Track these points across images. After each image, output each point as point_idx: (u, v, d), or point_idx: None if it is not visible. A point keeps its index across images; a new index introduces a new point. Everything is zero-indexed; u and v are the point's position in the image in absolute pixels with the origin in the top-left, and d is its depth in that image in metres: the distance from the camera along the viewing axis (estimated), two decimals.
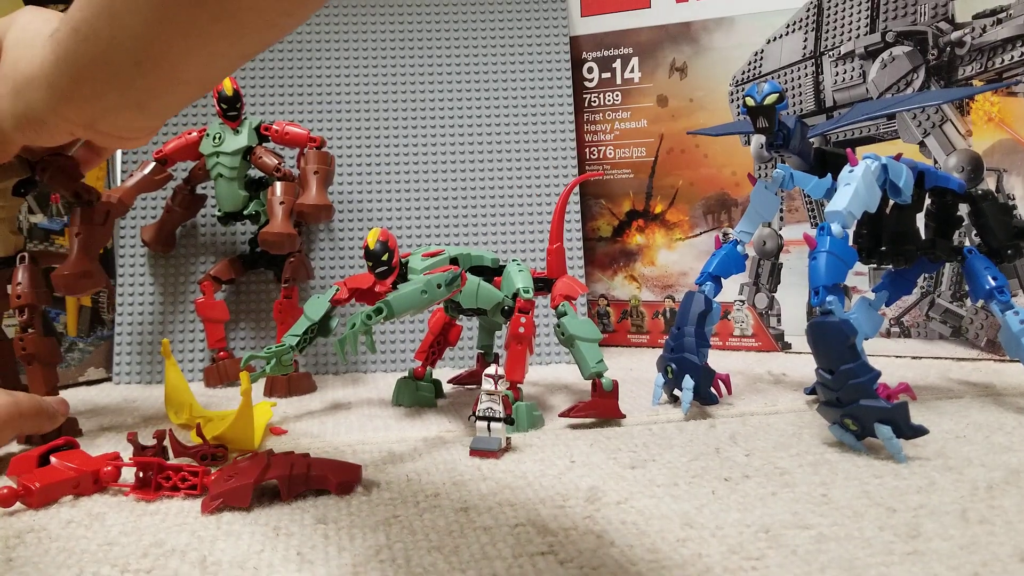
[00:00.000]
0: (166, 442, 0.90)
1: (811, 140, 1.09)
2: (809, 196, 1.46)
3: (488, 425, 0.92)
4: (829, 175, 1.02)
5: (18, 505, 0.80)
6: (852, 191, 0.93)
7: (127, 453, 0.92)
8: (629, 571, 0.60)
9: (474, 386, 1.28)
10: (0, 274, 1.15)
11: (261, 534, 0.71)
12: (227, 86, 1.33)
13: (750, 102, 1.01)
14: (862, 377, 0.84)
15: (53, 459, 0.85)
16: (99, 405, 1.25)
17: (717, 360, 1.36)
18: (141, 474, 0.82)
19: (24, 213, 1.39)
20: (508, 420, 0.93)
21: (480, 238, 1.50)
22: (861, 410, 0.84)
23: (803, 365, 1.34)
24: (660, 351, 1.12)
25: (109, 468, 0.84)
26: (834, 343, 0.86)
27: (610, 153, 1.62)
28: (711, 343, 1.10)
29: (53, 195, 1.41)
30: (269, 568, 0.64)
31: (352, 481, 0.81)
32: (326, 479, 0.80)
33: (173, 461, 0.91)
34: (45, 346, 1.09)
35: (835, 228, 0.91)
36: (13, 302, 1.09)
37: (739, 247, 1.14)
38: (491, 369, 0.94)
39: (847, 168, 0.96)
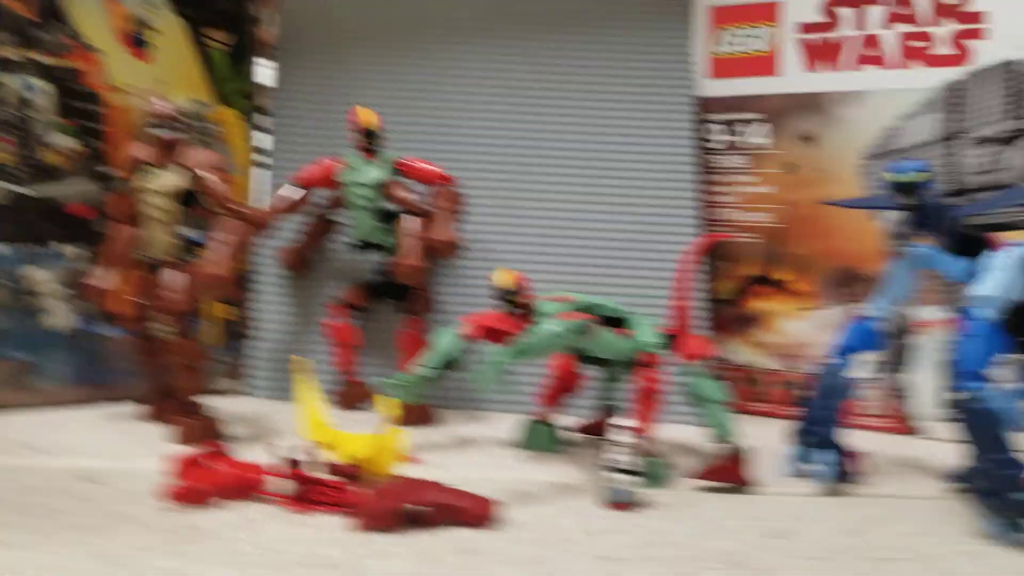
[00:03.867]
0: (308, 457, 0.93)
1: (954, 219, 1.08)
2: (945, 277, 1.44)
3: (618, 476, 0.92)
4: (970, 258, 1.01)
5: (178, 503, 0.84)
6: (998, 276, 0.92)
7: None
8: None
9: (595, 437, 1.28)
10: (153, 276, 1.22)
11: (409, 557, 0.73)
12: (367, 120, 1.39)
13: (895, 178, 1.01)
14: (1013, 469, 0.82)
15: (211, 462, 0.89)
16: (234, 415, 1.29)
17: (844, 438, 1.33)
18: (291, 486, 0.86)
19: None
20: (639, 474, 0.93)
21: (604, 290, 1.51)
22: (1012, 502, 0.82)
23: (937, 451, 1.30)
24: (778, 421, 1.11)
25: (261, 477, 0.88)
26: (983, 430, 0.84)
27: (734, 216, 1.63)
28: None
29: (200, 209, 1.48)
30: None
31: (490, 516, 0.83)
32: (466, 511, 0.82)
33: (318, 476, 0.94)
34: (191, 350, 1.14)
35: (982, 311, 0.91)
36: (161, 306, 1.15)
37: (873, 323, 1.13)
38: (621, 420, 0.95)
39: (992, 252, 0.95)
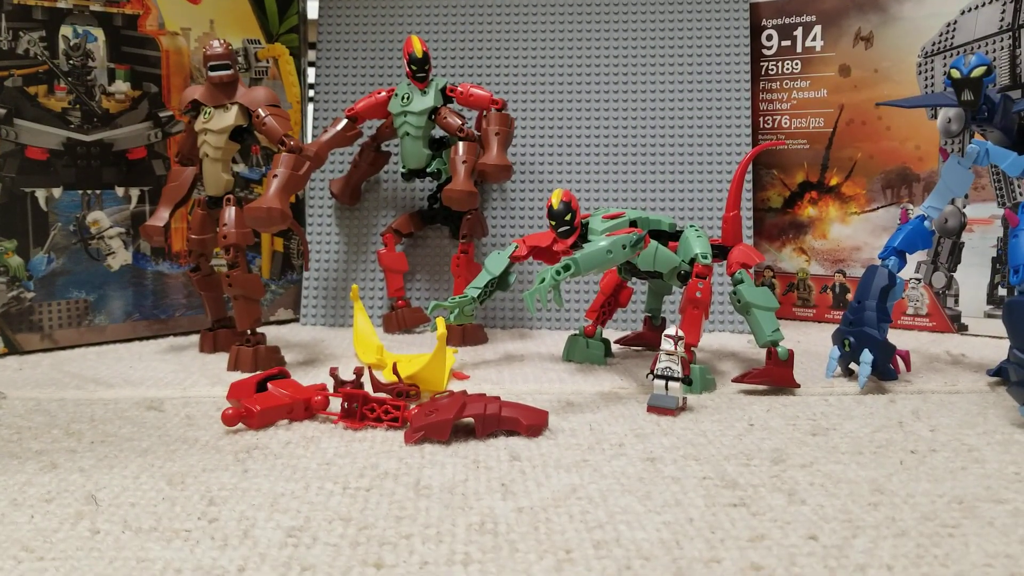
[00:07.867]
0: (364, 378, 0.97)
1: (1015, 115, 1.05)
2: (997, 173, 1.41)
3: (666, 384, 0.95)
4: None
5: (239, 425, 0.89)
6: None
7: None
8: (823, 528, 0.62)
9: (640, 347, 1.30)
10: (211, 213, 1.26)
11: (463, 465, 0.77)
12: (417, 48, 1.39)
13: (956, 74, 0.98)
14: None
15: (269, 386, 0.94)
16: (290, 343, 1.35)
17: (889, 337, 1.33)
18: (347, 405, 0.90)
19: None
20: (686, 380, 0.95)
21: (653, 204, 1.51)
22: None
23: (981, 347, 1.30)
24: (826, 326, 1.11)
25: (319, 397, 0.92)
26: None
27: (785, 123, 1.60)
28: None
29: (253, 146, 1.52)
30: (476, 495, 0.70)
31: (540, 425, 0.86)
32: (517, 421, 0.86)
33: (373, 396, 0.98)
34: (249, 282, 1.19)
35: None
36: (220, 241, 1.20)
37: (926, 223, 1.11)
38: (671, 330, 0.96)
39: None
